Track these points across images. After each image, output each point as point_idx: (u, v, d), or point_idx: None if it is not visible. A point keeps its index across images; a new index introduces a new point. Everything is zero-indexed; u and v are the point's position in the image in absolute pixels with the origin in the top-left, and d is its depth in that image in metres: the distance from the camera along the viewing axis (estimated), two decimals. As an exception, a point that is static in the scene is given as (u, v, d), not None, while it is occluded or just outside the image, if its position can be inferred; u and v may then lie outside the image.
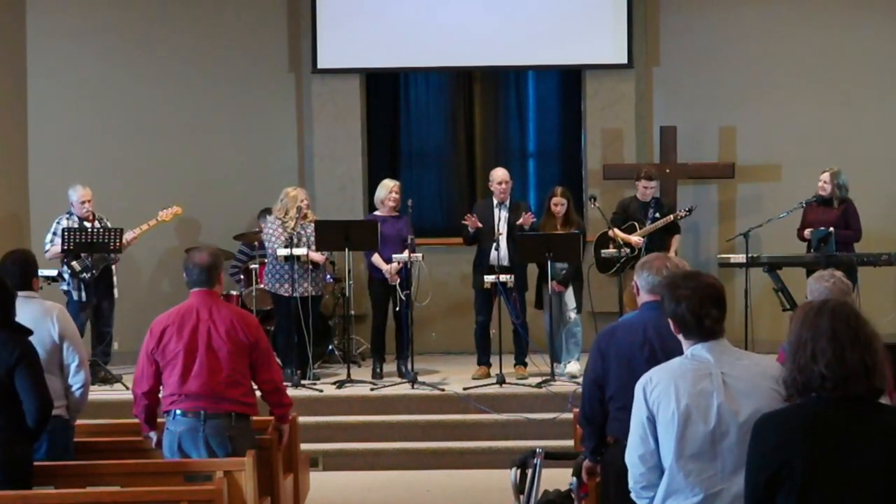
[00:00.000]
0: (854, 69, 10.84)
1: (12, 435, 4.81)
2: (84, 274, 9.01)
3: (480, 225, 9.05)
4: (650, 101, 11.06)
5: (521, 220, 8.95)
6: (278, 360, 6.83)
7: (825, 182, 9.48)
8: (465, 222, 9.13)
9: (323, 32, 10.95)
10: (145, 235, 9.55)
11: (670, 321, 3.64)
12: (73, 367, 5.44)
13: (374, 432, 8.31)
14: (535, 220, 9.07)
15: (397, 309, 9.17)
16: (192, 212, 10.81)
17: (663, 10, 11.06)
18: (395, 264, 9.00)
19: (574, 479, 4.73)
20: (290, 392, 6.36)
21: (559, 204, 9.22)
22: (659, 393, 3.52)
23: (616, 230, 9.26)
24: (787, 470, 2.93)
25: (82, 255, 9.00)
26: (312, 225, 9.05)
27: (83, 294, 9.08)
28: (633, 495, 3.65)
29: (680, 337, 3.64)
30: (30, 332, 4.98)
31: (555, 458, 5.08)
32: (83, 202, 9.23)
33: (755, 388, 3.47)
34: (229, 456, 5.23)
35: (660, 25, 11.06)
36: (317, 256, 9.05)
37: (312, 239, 9.00)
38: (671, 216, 9.43)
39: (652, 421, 3.52)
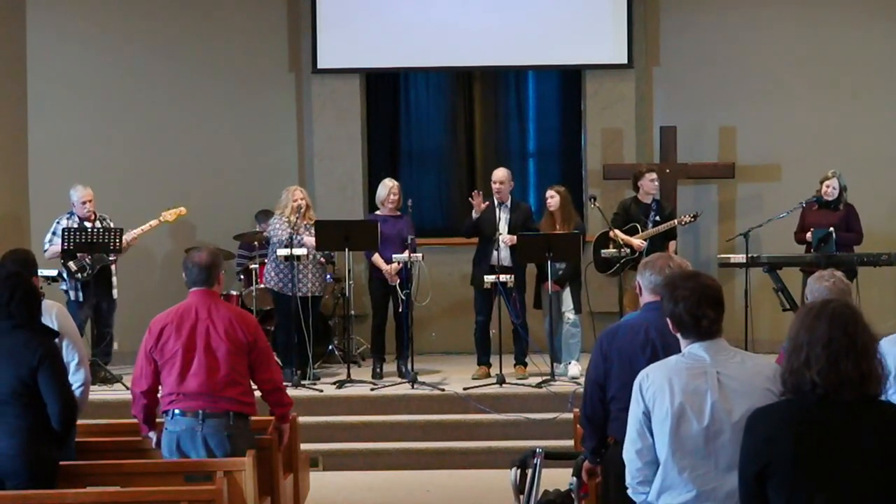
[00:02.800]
0: (854, 69, 10.84)
1: (38, 436, 4.84)
2: (79, 274, 9.01)
3: (484, 205, 8.97)
4: (650, 101, 11.06)
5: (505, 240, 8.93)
6: (278, 360, 6.84)
7: (833, 187, 9.48)
8: (472, 201, 9.05)
9: (323, 32, 10.95)
10: (145, 235, 9.54)
11: (668, 320, 3.68)
12: (72, 365, 5.43)
13: (374, 432, 8.31)
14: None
15: (399, 310, 9.16)
16: (191, 212, 10.78)
17: (663, 10, 11.06)
18: (394, 264, 9.01)
19: (574, 479, 4.72)
20: (290, 392, 6.36)
21: (551, 196, 9.21)
22: (655, 389, 3.57)
23: (617, 231, 9.25)
24: (776, 463, 2.96)
25: (79, 255, 9.00)
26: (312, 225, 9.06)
27: (80, 294, 9.09)
28: (629, 491, 3.67)
29: (678, 335, 3.68)
30: (56, 334, 5.03)
31: (555, 458, 5.07)
32: (84, 202, 9.23)
33: (750, 387, 3.50)
34: (228, 455, 5.23)
35: (660, 25, 11.06)
36: (309, 241, 8.99)
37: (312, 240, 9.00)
38: (675, 221, 9.42)
39: (648, 416, 3.57)
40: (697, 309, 3.58)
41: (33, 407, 4.83)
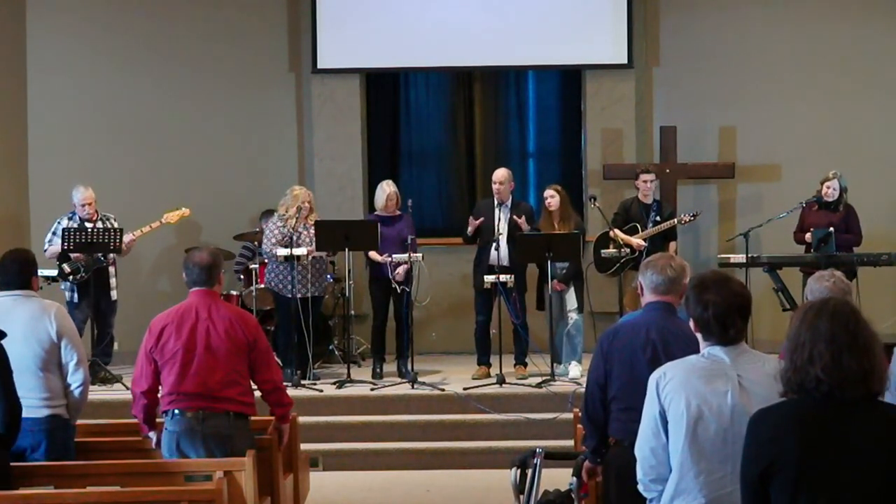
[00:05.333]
0: (854, 69, 10.84)
1: None
2: (72, 277, 9.01)
3: (479, 223, 9.01)
4: (650, 101, 11.05)
5: (519, 221, 8.95)
6: (278, 360, 6.84)
7: (833, 188, 9.47)
8: (470, 226, 9.09)
9: (323, 32, 10.94)
10: (144, 236, 9.54)
11: (692, 321, 3.61)
12: (71, 365, 5.43)
13: (374, 432, 8.31)
14: (528, 226, 9.01)
15: (395, 307, 9.13)
16: (192, 212, 10.79)
17: (663, 10, 11.05)
18: (400, 267, 8.99)
19: (574, 479, 4.72)
20: (290, 392, 6.36)
21: (548, 196, 9.21)
22: (671, 389, 3.51)
23: (617, 231, 9.25)
24: (779, 464, 2.94)
25: (72, 256, 8.99)
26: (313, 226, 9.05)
27: (76, 295, 9.09)
28: (640, 487, 3.63)
29: (698, 336, 3.62)
30: (3, 335, 4.93)
31: (555, 458, 5.07)
32: (84, 205, 9.21)
33: (770, 391, 3.39)
34: (227, 455, 5.23)
35: (660, 25, 11.05)
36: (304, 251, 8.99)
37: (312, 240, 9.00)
38: (675, 220, 9.43)
39: (664, 416, 3.52)
40: (727, 317, 3.52)
41: None
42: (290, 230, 8.95)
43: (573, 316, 9.15)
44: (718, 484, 3.45)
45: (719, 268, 9.69)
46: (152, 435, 5.45)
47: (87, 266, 9.05)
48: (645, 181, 9.49)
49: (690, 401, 3.47)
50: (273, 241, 8.99)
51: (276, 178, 10.58)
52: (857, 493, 2.91)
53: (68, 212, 9.29)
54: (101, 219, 9.28)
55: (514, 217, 8.98)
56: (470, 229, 9.10)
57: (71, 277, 9.01)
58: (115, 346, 9.55)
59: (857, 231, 9.51)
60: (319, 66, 10.98)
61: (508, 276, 8.78)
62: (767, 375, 3.47)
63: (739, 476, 3.08)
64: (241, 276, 10.30)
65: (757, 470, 2.98)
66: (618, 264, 9.28)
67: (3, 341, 4.89)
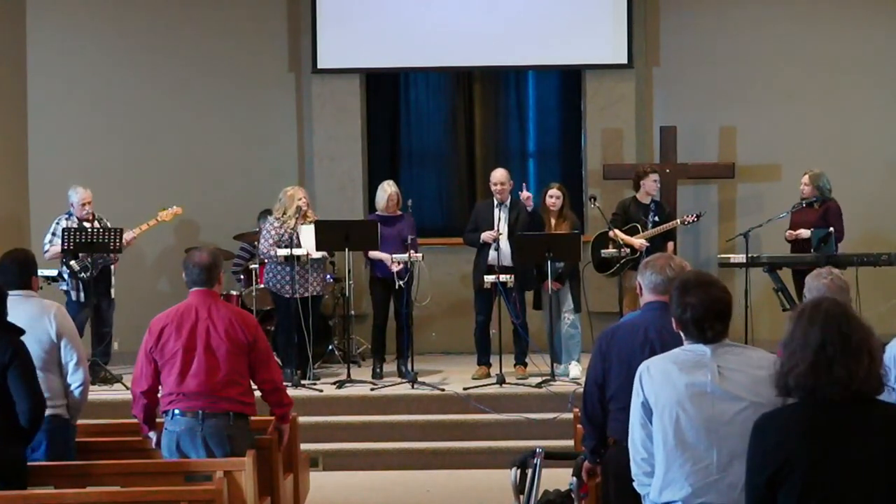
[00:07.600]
0: (854, 69, 10.84)
1: (6, 435, 4.80)
2: (83, 274, 9.01)
3: (497, 235, 8.96)
4: (650, 101, 11.05)
5: (522, 197, 8.92)
6: (278, 360, 6.84)
7: (804, 184, 9.53)
8: (484, 237, 9.05)
9: (323, 32, 10.95)
10: (144, 235, 9.55)
11: (673, 320, 3.69)
12: (71, 365, 5.44)
13: (374, 432, 8.31)
14: (533, 203, 8.99)
15: (396, 307, 9.13)
16: (192, 212, 10.80)
17: (663, 10, 11.06)
18: (396, 265, 8.98)
19: (574, 479, 4.73)
20: (290, 392, 6.36)
21: (554, 196, 9.20)
22: (655, 382, 3.58)
23: (617, 231, 9.25)
24: (787, 469, 2.95)
25: (80, 255, 9.00)
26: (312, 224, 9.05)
27: (82, 294, 9.08)
28: (635, 483, 3.68)
29: (680, 332, 3.70)
30: (21, 332, 4.96)
31: (555, 458, 5.08)
32: (84, 204, 9.22)
33: (752, 380, 3.51)
34: (227, 455, 5.23)
35: (660, 25, 11.06)
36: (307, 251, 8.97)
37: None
38: (677, 221, 9.44)
39: (648, 408, 3.59)
40: (704, 321, 3.59)
41: (1, 407, 4.79)
42: (290, 230, 8.95)
43: (569, 316, 9.15)
44: (704, 472, 3.50)
45: (719, 268, 9.72)
46: (152, 435, 5.45)
47: (94, 264, 9.07)
48: (655, 181, 9.49)
49: (674, 392, 3.53)
50: (269, 241, 8.98)
51: (275, 177, 10.57)
52: (864, 493, 2.92)
53: (65, 212, 9.28)
54: (96, 219, 9.29)
55: (520, 192, 8.96)
56: (482, 239, 9.04)
57: (82, 275, 9.01)
58: (115, 345, 9.55)
59: (839, 228, 9.49)
60: (319, 66, 10.99)
61: (508, 275, 8.78)
62: (746, 364, 3.55)
63: (745, 482, 3.10)
64: (241, 277, 10.30)
65: (764, 477, 2.99)
66: (618, 264, 9.27)
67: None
